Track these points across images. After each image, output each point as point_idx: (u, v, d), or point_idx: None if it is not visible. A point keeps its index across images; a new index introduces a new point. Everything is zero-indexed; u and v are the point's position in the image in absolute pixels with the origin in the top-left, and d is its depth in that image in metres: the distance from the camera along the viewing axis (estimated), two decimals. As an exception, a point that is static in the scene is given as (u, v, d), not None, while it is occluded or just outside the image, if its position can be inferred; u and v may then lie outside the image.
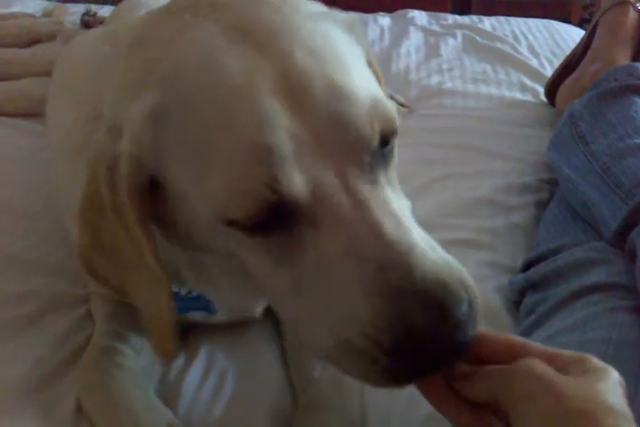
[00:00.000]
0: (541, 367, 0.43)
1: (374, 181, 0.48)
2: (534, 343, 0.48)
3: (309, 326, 0.49)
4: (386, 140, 0.49)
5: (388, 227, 0.45)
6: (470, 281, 0.47)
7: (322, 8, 0.54)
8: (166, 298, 0.52)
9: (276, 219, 0.46)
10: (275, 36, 0.47)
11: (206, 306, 0.70)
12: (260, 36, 0.47)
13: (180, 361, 0.74)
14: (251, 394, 0.69)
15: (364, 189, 0.46)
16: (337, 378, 0.66)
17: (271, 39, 0.47)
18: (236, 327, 0.77)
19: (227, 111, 0.45)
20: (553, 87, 1.30)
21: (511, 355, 0.46)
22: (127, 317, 0.75)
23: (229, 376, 0.72)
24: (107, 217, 0.51)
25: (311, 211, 0.46)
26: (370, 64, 0.54)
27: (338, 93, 0.46)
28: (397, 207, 0.48)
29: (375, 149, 0.48)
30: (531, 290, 0.75)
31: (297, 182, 0.45)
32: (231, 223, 0.46)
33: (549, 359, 0.45)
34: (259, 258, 0.49)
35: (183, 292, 0.68)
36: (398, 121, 0.50)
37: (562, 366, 0.44)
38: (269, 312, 0.75)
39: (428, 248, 0.46)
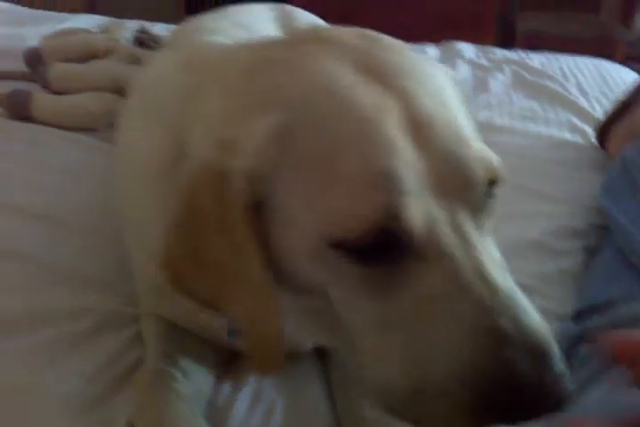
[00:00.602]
0: None
1: (480, 227, 0.49)
2: None
3: (385, 365, 0.48)
4: (491, 188, 0.50)
5: (494, 272, 0.47)
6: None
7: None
8: (275, 313, 0.52)
9: (383, 249, 0.47)
10: (399, 75, 0.51)
11: None
12: (385, 73, 0.51)
13: (226, 389, 0.75)
14: (300, 428, 0.70)
15: (472, 233, 0.48)
16: (387, 422, 0.66)
17: (396, 77, 0.51)
18: (285, 357, 0.78)
19: (354, 137, 0.48)
20: (605, 130, 1.30)
21: None
22: (178, 339, 0.76)
23: (278, 408, 0.72)
24: (209, 231, 0.52)
25: (420, 245, 0.47)
26: None
27: (456, 135, 0.49)
28: (498, 256, 0.49)
29: (483, 194, 0.49)
30: (584, 341, 0.74)
31: (415, 213, 0.46)
32: (338, 245, 0.47)
33: None
34: (350, 289, 0.49)
35: None
36: (503, 170, 0.51)
37: None
38: (318, 348, 0.76)
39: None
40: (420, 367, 0.46)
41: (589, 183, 1.17)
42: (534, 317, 0.46)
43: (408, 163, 0.47)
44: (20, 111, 1.31)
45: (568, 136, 1.38)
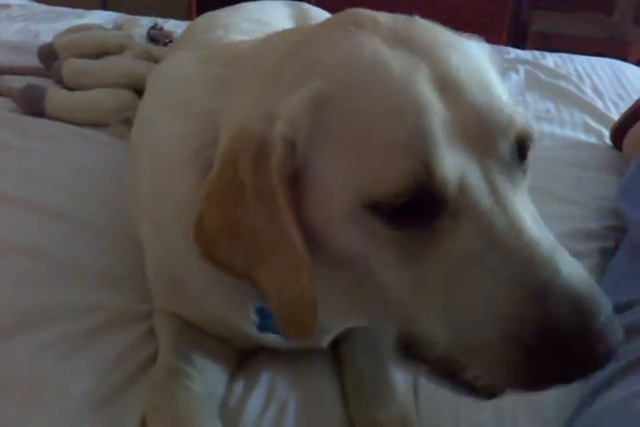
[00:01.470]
0: None
1: (513, 182, 0.50)
2: None
3: (428, 324, 0.49)
4: (523, 148, 0.51)
5: (530, 225, 0.47)
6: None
7: None
8: (309, 280, 0.52)
9: (418, 208, 0.47)
10: (431, 46, 0.54)
11: None
12: (418, 44, 0.54)
13: (239, 388, 0.75)
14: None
15: (506, 188, 0.49)
16: (402, 425, 0.66)
17: (428, 47, 0.53)
18: (298, 357, 0.77)
19: (388, 98, 0.50)
20: (620, 131, 1.29)
21: None
22: (192, 337, 0.76)
23: (290, 408, 0.72)
24: (247, 201, 0.53)
25: (453, 201, 0.48)
26: None
27: (486, 94, 0.51)
28: (534, 211, 0.49)
29: (514, 150, 0.50)
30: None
31: (449, 168, 0.47)
32: (374, 207, 0.48)
33: None
34: (387, 253, 0.50)
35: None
36: (534, 130, 0.52)
37: None
38: (331, 348, 0.76)
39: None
40: (463, 324, 0.47)
41: (604, 185, 1.16)
42: (576, 267, 0.46)
43: (440, 119, 0.49)
44: (34, 107, 1.31)
45: (583, 137, 1.37)
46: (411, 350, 0.56)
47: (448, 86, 0.51)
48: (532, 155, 0.53)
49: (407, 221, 0.48)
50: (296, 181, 0.52)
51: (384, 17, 0.58)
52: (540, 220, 0.50)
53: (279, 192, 0.51)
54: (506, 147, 0.50)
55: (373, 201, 0.48)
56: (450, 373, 0.52)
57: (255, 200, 0.52)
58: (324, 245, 0.53)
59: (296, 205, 0.52)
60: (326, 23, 0.61)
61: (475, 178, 0.48)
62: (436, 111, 0.49)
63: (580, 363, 0.44)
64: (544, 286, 0.44)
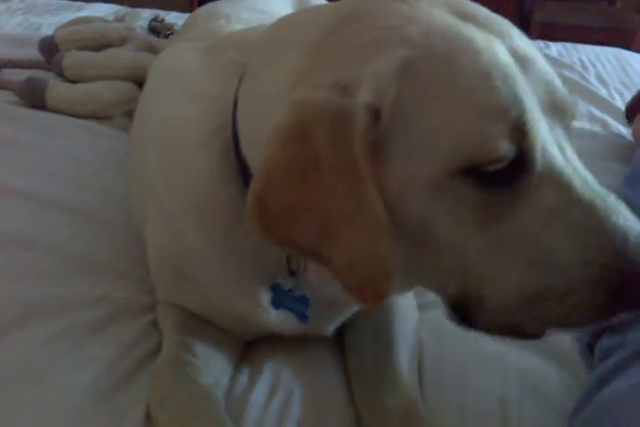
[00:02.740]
0: None
1: (572, 147, 0.54)
2: None
3: (502, 283, 0.53)
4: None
5: (597, 184, 0.52)
6: None
7: None
8: (389, 248, 0.52)
9: (509, 171, 0.50)
10: (490, 21, 0.56)
11: (304, 311, 0.70)
12: (479, 19, 0.56)
13: (244, 378, 0.75)
14: (318, 418, 0.69)
15: (570, 150, 0.54)
16: (407, 412, 0.66)
17: (489, 23, 0.56)
18: (302, 346, 0.77)
19: (478, 67, 0.52)
20: (633, 108, 1.27)
21: None
22: (196, 328, 0.76)
23: (295, 397, 0.71)
24: (319, 175, 0.52)
25: (537, 162, 0.51)
26: None
27: (549, 69, 0.56)
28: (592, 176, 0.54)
29: (572, 120, 0.56)
30: (607, 333, 0.73)
31: (538, 132, 0.51)
32: (467, 172, 0.50)
33: None
34: (469, 216, 0.52)
35: (287, 287, 0.69)
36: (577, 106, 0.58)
37: None
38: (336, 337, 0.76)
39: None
40: (543, 276, 0.51)
41: (610, 173, 1.14)
42: (632, 215, 0.52)
43: (525, 88, 0.52)
44: (35, 100, 1.31)
45: (587, 126, 1.36)
46: (468, 314, 0.58)
47: (522, 59, 0.54)
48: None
49: (497, 183, 0.51)
50: (375, 151, 0.52)
51: None
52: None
53: (362, 162, 0.51)
54: (569, 117, 0.55)
55: (472, 165, 0.50)
56: (509, 329, 0.56)
57: (332, 172, 0.51)
58: (399, 214, 0.53)
59: (375, 175, 0.52)
60: None
61: (552, 142, 0.52)
62: (521, 81, 0.52)
63: None
64: (622, 233, 0.50)
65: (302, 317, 0.70)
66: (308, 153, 0.51)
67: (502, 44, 0.54)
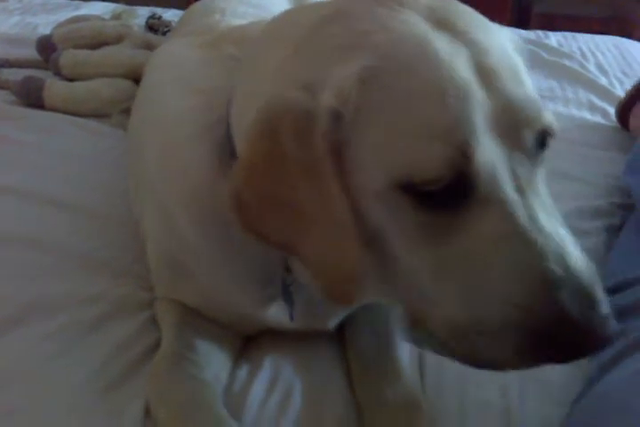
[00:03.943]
0: None
1: (533, 172, 0.51)
2: None
3: (444, 305, 0.51)
4: (543, 140, 0.53)
5: (546, 218, 0.49)
6: None
7: None
8: (355, 249, 0.52)
9: (449, 193, 0.49)
10: (468, 29, 0.54)
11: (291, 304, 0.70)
12: (458, 27, 0.54)
13: (243, 373, 0.74)
14: (318, 413, 0.69)
15: (527, 178, 0.50)
16: (408, 404, 0.66)
17: (465, 31, 0.54)
18: (301, 341, 0.77)
19: (435, 81, 0.50)
20: (625, 109, 1.27)
21: None
22: (195, 324, 0.76)
23: (295, 391, 0.71)
24: (287, 172, 0.52)
25: (482, 187, 0.49)
26: None
27: (518, 83, 0.52)
28: (550, 203, 0.51)
29: (537, 140, 0.52)
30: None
31: (486, 156, 0.49)
32: (406, 188, 0.49)
33: None
34: (412, 233, 0.51)
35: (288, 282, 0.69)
36: (556, 123, 0.54)
37: None
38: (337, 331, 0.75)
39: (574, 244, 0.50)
40: (477, 308, 0.49)
41: (610, 162, 1.14)
42: (582, 261, 0.49)
43: (479, 106, 0.50)
44: (33, 98, 1.31)
45: (588, 115, 1.35)
46: (418, 327, 0.57)
47: (486, 73, 0.51)
48: (550, 144, 0.54)
49: (436, 205, 0.49)
50: (338, 153, 0.52)
51: None
52: (554, 210, 0.52)
53: (325, 162, 0.51)
54: (532, 139, 0.51)
55: (407, 182, 0.49)
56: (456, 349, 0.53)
57: (298, 171, 0.52)
58: (358, 217, 0.53)
59: (338, 175, 0.52)
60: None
61: (503, 168, 0.50)
62: (477, 99, 0.50)
63: (583, 346, 0.48)
64: (553, 278, 0.47)
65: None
66: (277, 151, 0.52)
67: (470, 57, 0.52)
